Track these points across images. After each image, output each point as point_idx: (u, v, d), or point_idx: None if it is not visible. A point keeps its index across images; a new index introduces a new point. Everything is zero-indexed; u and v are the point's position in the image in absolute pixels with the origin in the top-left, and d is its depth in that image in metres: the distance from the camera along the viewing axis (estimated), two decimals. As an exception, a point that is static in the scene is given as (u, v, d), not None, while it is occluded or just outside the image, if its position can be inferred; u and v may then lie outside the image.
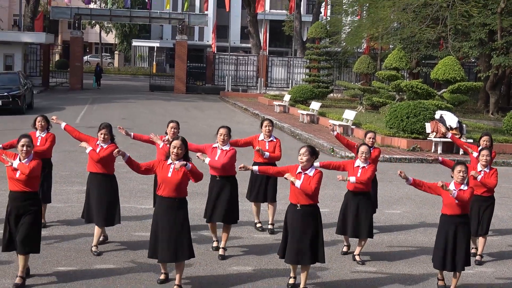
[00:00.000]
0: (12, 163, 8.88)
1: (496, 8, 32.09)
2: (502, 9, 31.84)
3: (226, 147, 10.92)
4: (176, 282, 9.13)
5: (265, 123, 12.34)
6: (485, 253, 11.45)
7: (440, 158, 11.04)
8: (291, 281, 9.48)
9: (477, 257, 11.29)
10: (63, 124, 11.41)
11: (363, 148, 10.94)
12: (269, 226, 12.65)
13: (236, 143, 11.89)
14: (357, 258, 11.01)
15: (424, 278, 10.23)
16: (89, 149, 10.46)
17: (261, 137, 12.27)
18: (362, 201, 10.91)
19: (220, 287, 9.46)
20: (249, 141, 12.32)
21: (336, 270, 10.39)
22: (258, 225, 12.67)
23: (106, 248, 11.02)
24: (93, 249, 10.76)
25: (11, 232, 9.12)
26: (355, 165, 10.94)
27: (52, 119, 11.57)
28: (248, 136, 12.70)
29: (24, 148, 9.03)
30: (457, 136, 22.86)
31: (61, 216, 12.82)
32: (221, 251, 11.02)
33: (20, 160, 9.05)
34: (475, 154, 11.41)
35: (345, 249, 11.38)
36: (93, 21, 76.33)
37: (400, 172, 9.36)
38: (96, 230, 10.82)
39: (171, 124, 11.86)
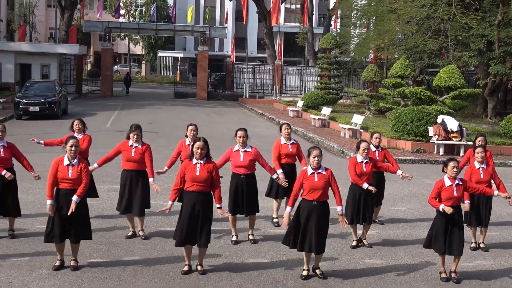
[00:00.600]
0: (76, 199, 9.12)
1: (494, 21, 31.98)
2: (499, 21, 31.72)
3: (248, 149, 11.03)
4: (199, 261, 9.46)
5: (284, 126, 12.35)
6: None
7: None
8: (305, 272, 9.52)
9: (481, 245, 11.42)
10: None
11: (364, 145, 11.11)
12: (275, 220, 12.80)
13: (277, 163, 11.92)
14: (365, 242, 11.30)
15: (427, 270, 10.21)
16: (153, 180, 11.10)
17: (283, 140, 12.21)
18: (367, 192, 11.02)
19: (239, 278, 9.47)
20: (278, 151, 12.16)
21: (346, 262, 10.39)
22: (275, 220, 12.69)
23: (134, 242, 11.10)
24: (141, 233, 11.23)
25: (54, 225, 9.21)
26: (358, 160, 11.02)
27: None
28: (270, 145, 12.65)
29: (73, 148, 9.20)
30: (456, 139, 22.93)
31: (92, 212, 12.83)
32: (251, 237, 11.27)
33: (68, 160, 9.22)
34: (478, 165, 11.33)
35: (354, 243, 11.36)
36: (122, 34, 76.71)
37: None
38: (138, 219, 11.21)
39: (190, 127, 12.03)
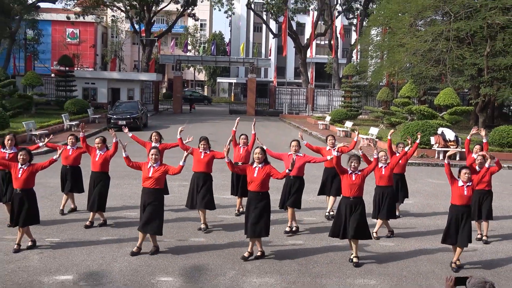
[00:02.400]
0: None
1: (483, 52, 31.35)
2: (488, 53, 31.11)
3: (300, 154, 10.95)
4: (259, 248, 9.33)
5: (329, 137, 12.14)
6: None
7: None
8: (356, 260, 9.24)
9: (484, 237, 10.93)
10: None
11: (382, 154, 10.94)
12: (326, 213, 12.36)
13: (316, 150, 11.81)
14: (374, 235, 10.80)
15: (430, 251, 10.07)
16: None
17: (328, 148, 11.87)
18: (386, 192, 10.83)
19: (279, 255, 9.46)
20: (319, 150, 12.04)
21: (365, 243, 10.24)
22: (332, 213, 12.21)
23: (197, 226, 11.15)
24: (202, 226, 10.92)
25: (141, 217, 9.28)
26: (379, 166, 10.83)
27: None
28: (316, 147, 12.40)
29: (153, 157, 9.30)
30: (453, 146, 22.55)
31: (167, 203, 12.99)
32: (288, 229, 11.04)
33: (150, 163, 9.28)
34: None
35: (389, 234, 11.04)
36: (189, 65, 77.44)
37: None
38: (202, 212, 10.99)
39: (242, 136, 12.10)
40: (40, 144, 10.30)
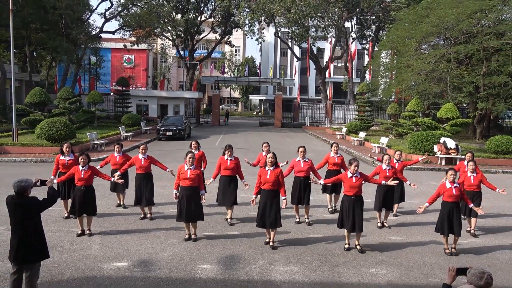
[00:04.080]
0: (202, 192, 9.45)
1: (480, 72, 30.75)
2: (484, 72, 30.50)
3: (306, 160, 10.91)
4: (272, 239, 9.31)
5: (334, 144, 12.12)
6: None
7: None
8: (346, 246, 9.32)
9: (472, 231, 10.72)
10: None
11: (386, 157, 10.96)
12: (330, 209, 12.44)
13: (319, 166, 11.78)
14: (385, 224, 11.08)
15: (433, 245, 9.84)
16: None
17: (332, 154, 12.00)
18: (390, 189, 10.89)
19: (302, 247, 9.37)
20: (326, 160, 11.97)
21: (376, 238, 10.13)
22: (330, 209, 12.44)
23: (232, 222, 11.12)
24: (229, 220, 10.98)
25: (181, 210, 9.31)
26: (383, 168, 10.80)
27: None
28: (322, 157, 12.48)
29: (190, 160, 9.38)
30: (454, 154, 22.10)
31: (207, 201, 13.04)
32: (307, 220, 11.11)
33: (187, 166, 9.35)
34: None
35: (379, 224, 11.03)
36: (226, 84, 77.85)
37: (419, 209, 9.11)
38: (229, 208, 11.00)
39: (264, 144, 12.04)
40: (112, 179, 10.48)
